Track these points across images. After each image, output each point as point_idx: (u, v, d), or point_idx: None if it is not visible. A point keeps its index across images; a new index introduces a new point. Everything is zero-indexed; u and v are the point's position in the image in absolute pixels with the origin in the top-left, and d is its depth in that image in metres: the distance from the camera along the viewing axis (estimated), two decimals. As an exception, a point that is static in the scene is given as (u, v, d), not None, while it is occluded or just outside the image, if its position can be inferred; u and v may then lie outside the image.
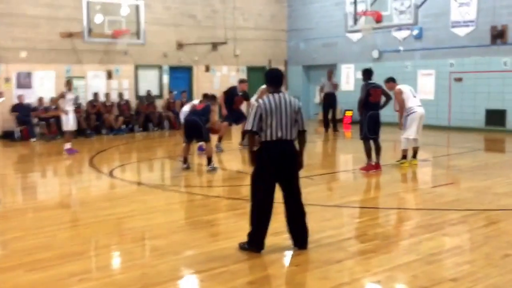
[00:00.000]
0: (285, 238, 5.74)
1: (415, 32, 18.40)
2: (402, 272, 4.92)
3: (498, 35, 16.41)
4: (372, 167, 9.99)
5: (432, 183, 9.53)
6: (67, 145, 13.04)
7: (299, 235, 5.57)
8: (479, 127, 16.91)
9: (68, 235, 6.34)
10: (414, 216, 7.03)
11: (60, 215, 7.37)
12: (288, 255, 5.46)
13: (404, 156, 10.58)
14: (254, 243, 5.45)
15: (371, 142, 10.13)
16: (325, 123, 18.14)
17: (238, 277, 4.85)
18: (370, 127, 10.06)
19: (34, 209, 7.82)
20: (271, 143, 5.43)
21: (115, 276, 5.00)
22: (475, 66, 17.04)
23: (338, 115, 20.10)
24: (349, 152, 12.50)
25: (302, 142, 5.67)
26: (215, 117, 11.38)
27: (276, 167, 5.43)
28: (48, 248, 5.74)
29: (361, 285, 4.70)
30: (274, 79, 5.64)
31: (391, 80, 11.15)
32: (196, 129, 10.58)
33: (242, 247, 5.52)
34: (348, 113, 20.55)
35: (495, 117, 16.68)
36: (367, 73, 10.45)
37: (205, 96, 11.67)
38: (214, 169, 10.40)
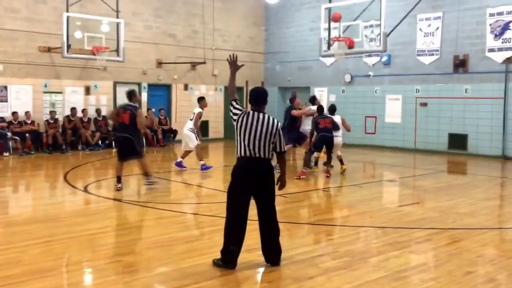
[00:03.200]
0: (259, 255, 5.86)
1: (384, 58, 19.14)
2: (370, 289, 5.08)
3: (460, 64, 17.26)
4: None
5: (399, 202, 9.80)
6: None
7: (272, 252, 5.68)
8: (442, 150, 17.52)
9: (40, 251, 6.29)
10: (382, 234, 7.22)
11: (32, 230, 7.31)
12: (261, 271, 5.57)
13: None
14: (227, 260, 5.54)
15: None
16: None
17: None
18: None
19: (5, 224, 7.75)
20: (244, 159, 5.50)
21: (88, 291, 5.05)
22: (439, 92, 17.80)
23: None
24: (322, 172, 12.71)
25: (281, 162, 5.76)
26: (142, 121, 10.19)
27: (248, 183, 5.49)
28: (18, 264, 5.69)
29: (330, 301, 4.84)
30: (257, 98, 5.69)
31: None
32: (128, 146, 10.01)
33: (216, 263, 5.62)
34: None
35: (457, 141, 17.41)
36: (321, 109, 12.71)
37: (128, 96, 10.40)
38: (151, 183, 10.30)
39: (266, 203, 5.63)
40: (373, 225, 7.76)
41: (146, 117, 17.44)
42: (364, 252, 6.26)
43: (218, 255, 5.65)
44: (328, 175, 12.11)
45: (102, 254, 6.17)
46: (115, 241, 6.73)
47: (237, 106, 5.70)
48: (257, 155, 5.47)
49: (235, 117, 5.60)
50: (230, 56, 6.12)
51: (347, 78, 20.36)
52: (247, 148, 5.48)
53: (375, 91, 19.41)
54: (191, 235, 7.04)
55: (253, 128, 5.48)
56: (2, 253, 6.14)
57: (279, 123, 5.66)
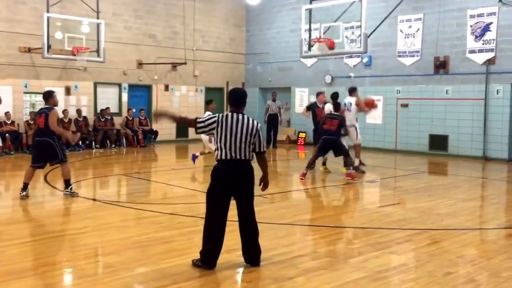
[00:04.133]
0: (238, 256, 5.84)
1: (365, 60, 19.23)
2: (350, 289, 5.07)
3: (440, 65, 17.40)
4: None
5: (379, 203, 9.81)
6: None
7: (252, 253, 5.66)
8: (423, 151, 17.65)
9: (19, 251, 6.23)
10: (362, 234, 7.22)
11: (11, 231, 7.21)
12: (240, 272, 5.54)
13: None
14: (206, 260, 5.51)
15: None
16: (268, 140, 19.37)
17: (189, 294, 4.90)
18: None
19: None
20: (224, 162, 5.47)
21: (65, 292, 4.98)
22: (420, 93, 17.92)
23: (292, 137, 20.86)
24: (301, 172, 12.73)
25: (262, 162, 5.72)
26: (54, 122, 9.34)
27: (228, 185, 5.47)
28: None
29: (310, 302, 4.82)
30: (236, 99, 5.64)
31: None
32: (48, 149, 9.32)
33: (195, 264, 5.58)
34: (302, 135, 21.00)
35: (438, 142, 17.53)
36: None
37: (44, 98, 9.88)
38: (72, 194, 9.51)
39: (246, 204, 5.61)
40: (353, 226, 7.76)
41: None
42: (344, 253, 6.25)
43: (197, 256, 5.61)
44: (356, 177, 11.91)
45: (81, 255, 6.09)
46: (95, 241, 6.64)
47: (205, 117, 5.64)
48: (237, 157, 5.44)
49: (214, 125, 5.50)
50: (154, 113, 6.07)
51: (328, 79, 20.40)
52: (227, 151, 5.44)
53: (356, 93, 19.47)
54: (170, 235, 6.97)
55: (233, 130, 5.44)
56: (-21, 254, 6.04)
57: (259, 124, 5.63)
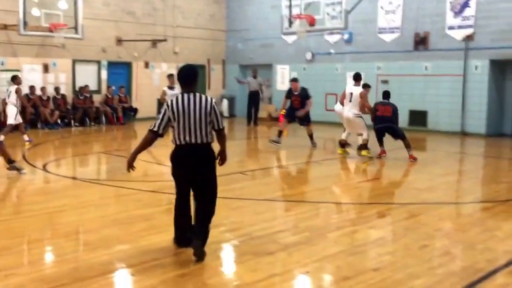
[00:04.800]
0: (220, 231, 5.88)
1: (346, 36, 19.17)
2: (329, 263, 5.13)
3: (420, 42, 17.47)
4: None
5: (358, 178, 9.91)
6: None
7: (196, 234, 5.22)
8: (403, 127, 17.55)
9: (-2, 230, 6.22)
10: (341, 210, 7.31)
11: (-10, 209, 7.22)
12: (221, 248, 5.57)
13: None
14: (178, 241, 5.45)
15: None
16: (248, 118, 19.30)
17: (169, 270, 4.92)
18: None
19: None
20: (180, 147, 5.15)
21: (44, 271, 4.95)
22: (400, 69, 17.97)
23: (274, 114, 20.84)
24: (283, 148, 12.78)
25: (221, 139, 5.38)
26: None
27: (185, 171, 5.19)
28: (-25, 243, 5.59)
29: (291, 276, 4.86)
30: (186, 78, 5.23)
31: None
32: None
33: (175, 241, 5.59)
34: (283, 112, 20.93)
35: (417, 118, 17.65)
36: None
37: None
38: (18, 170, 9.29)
39: (203, 189, 5.28)
40: (332, 201, 7.84)
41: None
42: (323, 228, 6.32)
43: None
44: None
45: (60, 232, 6.08)
46: (74, 219, 6.62)
47: (158, 117, 5.21)
48: (193, 141, 5.08)
49: (168, 113, 5.12)
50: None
51: (309, 55, 20.36)
52: (183, 135, 5.10)
53: (336, 69, 19.46)
54: (150, 212, 6.97)
55: (187, 112, 5.06)
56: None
57: (213, 100, 5.22)
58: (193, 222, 5.35)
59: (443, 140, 15.47)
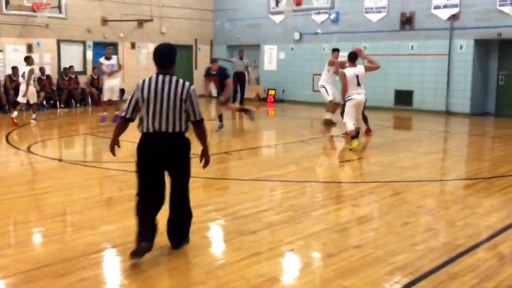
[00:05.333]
0: (206, 211, 5.92)
1: (332, 16, 19.18)
2: (313, 240, 5.19)
3: (406, 21, 17.54)
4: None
5: (343, 158, 9.98)
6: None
7: (175, 238, 4.92)
8: (389, 107, 17.87)
9: (-18, 212, 6.20)
10: (325, 188, 7.37)
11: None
12: (205, 226, 5.61)
13: (352, 137, 10.08)
14: (137, 234, 4.69)
15: None
16: (233, 98, 18.65)
17: (154, 249, 4.92)
18: None
19: None
20: (147, 135, 4.61)
21: (29, 252, 4.96)
22: (386, 49, 18.00)
23: (262, 94, 20.88)
24: (270, 129, 12.81)
25: (200, 133, 4.73)
26: None
27: (154, 164, 4.65)
28: (-41, 225, 5.59)
29: (275, 254, 4.89)
30: (162, 58, 4.67)
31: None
32: None
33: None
34: (271, 92, 20.99)
35: (403, 97, 17.80)
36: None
37: None
38: None
39: (177, 185, 4.76)
40: (317, 180, 7.89)
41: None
42: (307, 206, 6.37)
43: (161, 214, 5.63)
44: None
45: (45, 214, 6.08)
46: (59, 201, 6.62)
47: (128, 100, 4.73)
48: (164, 129, 4.53)
49: (137, 95, 4.62)
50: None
51: (296, 35, 20.33)
52: (150, 122, 4.55)
53: (323, 49, 19.42)
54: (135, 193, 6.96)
55: (158, 96, 4.51)
56: None
57: (191, 86, 4.65)
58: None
59: (428, 119, 15.58)
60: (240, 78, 19.34)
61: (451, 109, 16.70)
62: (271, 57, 21.31)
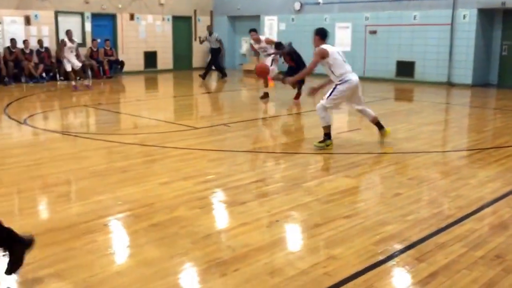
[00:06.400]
0: (196, 182, 5.89)
1: (334, -15, 18.72)
2: (300, 211, 5.16)
3: (409, -10, 17.13)
4: None
5: (339, 129, 9.88)
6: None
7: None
8: (390, 78, 17.71)
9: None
10: (319, 160, 7.33)
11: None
12: (193, 197, 5.58)
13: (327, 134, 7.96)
14: None
15: None
16: (204, 73, 18.43)
17: (142, 220, 4.94)
18: None
19: None
20: None
21: (17, 222, 4.95)
22: (388, 19, 17.74)
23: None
24: (270, 101, 12.76)
25: None
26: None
27: None
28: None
29: (260, 224, 4.88)
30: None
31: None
32: None
33: None
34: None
35: (405, 68, 17.58)
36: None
37: None
38: None
39: None
40: (310, 152, 7.84)
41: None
42: (298, 178, 6.34)
43: (154, 184, 5.62)
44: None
45: (35, 185, 6.08)
46: (50, 172, 6.61)
47: None
48: None
49: None
50: None
51: (297, 6, 20.06)
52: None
53: (325, 19, 19.19)
54: (129, 164, 6.97)
55: None
56: None
57: None
58: None
59: (429, 90, 15.45)
60: (216, 53, 18.72)
61: (453, 80, 16.53)
62: (271, 28, 21.07)
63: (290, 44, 13.13)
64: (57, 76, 17.89)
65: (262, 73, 12.18)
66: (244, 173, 6.52)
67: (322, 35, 7.97)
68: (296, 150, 7.99)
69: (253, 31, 13.88)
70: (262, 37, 13.94)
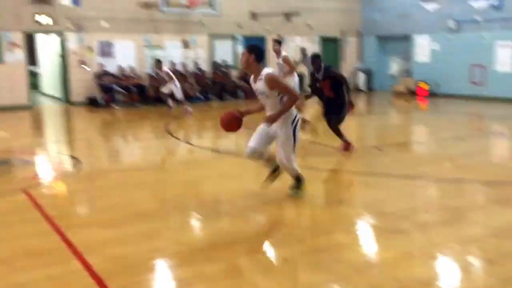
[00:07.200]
0: (351, 207, 5.77)
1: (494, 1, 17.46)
2: (470, 244, 4.85)
3: None
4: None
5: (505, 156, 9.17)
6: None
7: None
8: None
9: (140, 196, 6.58)
10: (480, 189, 6.87)
11: (137, 176, 7.67)
12: (351, 221, 5.50)
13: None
14: None
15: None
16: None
17: (294, 245, 4.94)
18: None
19: (116, 171, 8.22)
20: None
21: (184, 234, 5.18)
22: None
23: (412, 88, 19.84)
24: (421, 122, 12.25)
25: None
26: None
27: None
28: (124, 207, 6.03)
29: (427, 256, 4.67)
30: None
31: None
32: None
33: None
34: (421, 84, 19.87)
35: None
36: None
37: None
38: None
39: None
40: (475, 178, 7.37)
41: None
42: (463, 207, 5.97)
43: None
44: None
45: (203, 202, 6.28)
46: (213, 189, 6.85)
47: None
48: None
49: None
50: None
51: (451, 24, 19.09)
52: None
53: (484, 38, 17.84)
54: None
55: None
56: (112, 197, 6.55)
57: None
58: None
59: None
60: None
61: None
62: (423, 48, 20.26)
63: (316, 58, 8.96)
64: (211, 96, 18.71)
65: (230, 126, 6.47)
66: (400, 200, 6.28)
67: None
68: (458, 176, 7.53)
69: (275, 41, 11.31)
70: (284, 53, 11.19)
